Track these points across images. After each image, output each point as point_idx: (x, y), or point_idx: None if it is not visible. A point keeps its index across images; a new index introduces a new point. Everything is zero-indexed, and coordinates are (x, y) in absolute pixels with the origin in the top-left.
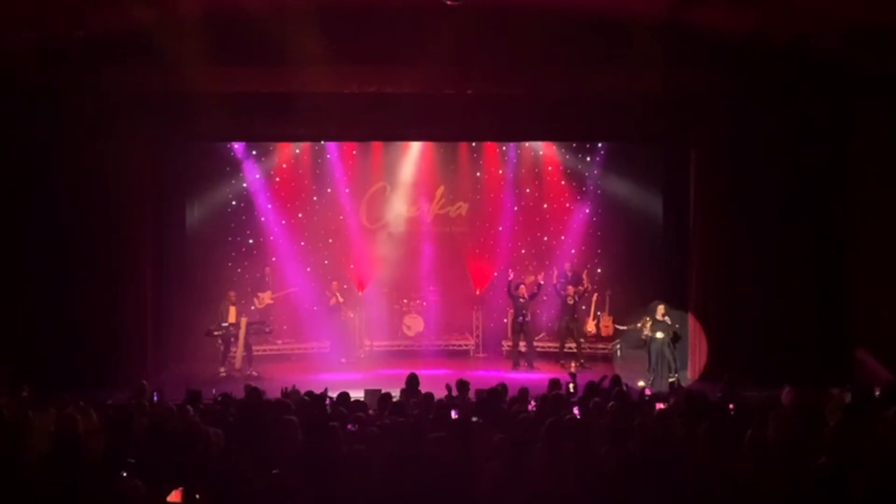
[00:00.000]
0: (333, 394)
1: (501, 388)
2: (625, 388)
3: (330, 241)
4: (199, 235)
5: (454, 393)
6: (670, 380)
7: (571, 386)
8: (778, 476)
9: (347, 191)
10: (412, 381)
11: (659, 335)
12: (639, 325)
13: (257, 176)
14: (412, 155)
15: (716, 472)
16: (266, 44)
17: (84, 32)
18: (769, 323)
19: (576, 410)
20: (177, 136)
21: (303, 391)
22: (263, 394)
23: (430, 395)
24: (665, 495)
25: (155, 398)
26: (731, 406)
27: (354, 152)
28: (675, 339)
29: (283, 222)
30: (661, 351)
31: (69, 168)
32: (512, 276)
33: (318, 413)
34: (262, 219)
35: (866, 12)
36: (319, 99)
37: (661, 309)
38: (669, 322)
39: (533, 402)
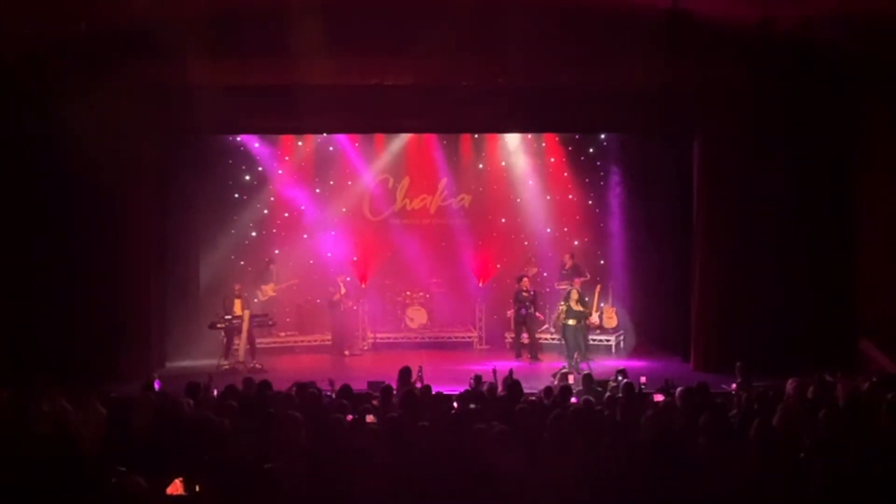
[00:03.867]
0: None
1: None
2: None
3: (333, 233)
4: (202, 228)
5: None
6: (575, 362)
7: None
8: (782, 467)
9: (350, 183)
10: (405, 374)
11: (571, 322)
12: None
13: (260, 169)
14: (415, 147)
15: (719, 463)
16: (267, 36)
17: (88, 26)
18: (773, 314)
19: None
20: (179, 129)
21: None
22: (269, 386)
23: (428, 388)
24: (669, 487)
25: (157, 386)
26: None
27: (357, 144)
28: (587, 325)
29: (286, 215)
30: (574, 337)
31: (72, 161)
32: (524, 282)
33: (321, 406)
34: (265, 211)
35: (871, 1)
36: (321, 91)
37: (574, 296)
38: (582, 309)
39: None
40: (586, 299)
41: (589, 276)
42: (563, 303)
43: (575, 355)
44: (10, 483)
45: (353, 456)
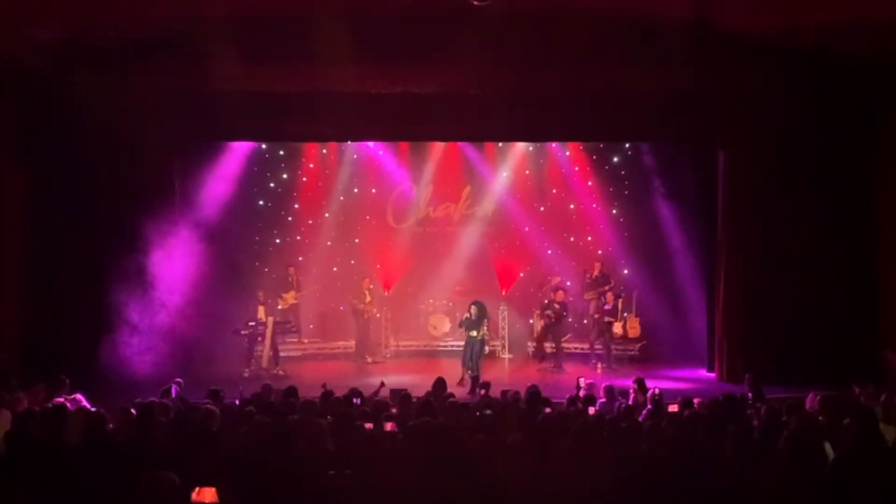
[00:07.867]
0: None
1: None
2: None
3: (356, 240)
4: (225, 235)
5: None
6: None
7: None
8: (806, 480)
9: (374, 191)
10: (440, 385)
11: (473, 333)
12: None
13: (284, 176)
14: (439, 155)
15: (741, 475)
16: (293, 43)
17: (115, 32)
18: (798, 325)
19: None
20: (204, 135)
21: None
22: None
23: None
24: (689, 498)
25: (174, 392)
26: (760, 407)
27: (381, 152)
28: (482, 336)
29: (310, 222)
30: (473, 347)
31: (98, 166)
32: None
33: (345, 413)
34: (290, 219)
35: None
36: (345, 99)
37: (473, 310)
38: (480, 321)
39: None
40: (485, 315)
41: (614, 283)
42: (467, 315)
43: (469, 365)
44: (45, 479)
45: (375, 463)
